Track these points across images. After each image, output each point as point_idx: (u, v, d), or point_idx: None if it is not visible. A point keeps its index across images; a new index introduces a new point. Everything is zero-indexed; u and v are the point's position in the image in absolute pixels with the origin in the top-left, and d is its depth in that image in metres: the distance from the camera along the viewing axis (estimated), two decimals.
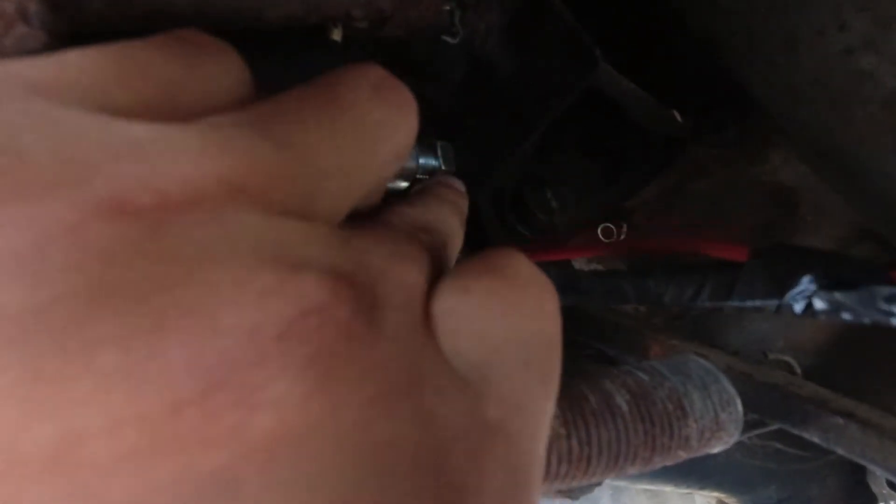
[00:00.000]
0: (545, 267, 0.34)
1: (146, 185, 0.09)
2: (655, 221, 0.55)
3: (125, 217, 0.09)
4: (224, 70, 0.12)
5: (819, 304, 0.22)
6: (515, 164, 0.30)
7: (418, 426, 0.10)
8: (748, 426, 0.21)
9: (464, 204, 0.21)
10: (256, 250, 0.10)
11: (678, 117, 0.41)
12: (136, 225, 0.09)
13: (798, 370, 0.42)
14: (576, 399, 0.19)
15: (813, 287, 0.22)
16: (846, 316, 0.22)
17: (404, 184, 0.26)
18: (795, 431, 0.27)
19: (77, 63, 0.10)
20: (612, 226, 0.55)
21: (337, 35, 0.22)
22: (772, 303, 0.23)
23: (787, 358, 0.40)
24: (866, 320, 0.23)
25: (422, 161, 0.28)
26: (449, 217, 0.18)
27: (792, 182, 0.51)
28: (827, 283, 0.22)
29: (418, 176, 0.27)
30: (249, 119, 0.11)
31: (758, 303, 0.23)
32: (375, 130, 0.13)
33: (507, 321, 0.13)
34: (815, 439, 0.27)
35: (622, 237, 0.46)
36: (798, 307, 0.23)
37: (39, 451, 0.08)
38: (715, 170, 0.51)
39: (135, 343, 0.08)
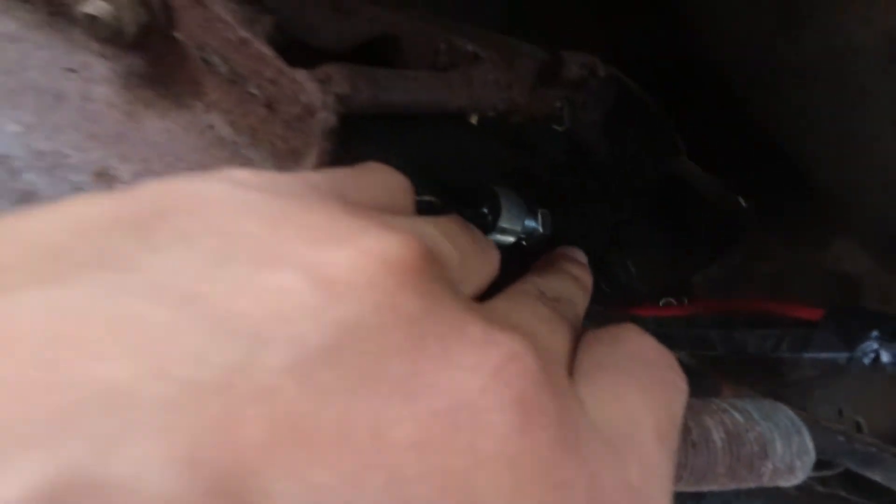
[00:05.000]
0: (634, 316, 0.37)
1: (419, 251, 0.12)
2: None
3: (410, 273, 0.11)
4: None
5: (886, 356, 0.25)
6: (603, 232, 0.34)
7: (584, 476, 0.12)
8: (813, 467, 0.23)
9: (586, 278, 0.22)
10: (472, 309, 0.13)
11: (743, 203, 0.44)
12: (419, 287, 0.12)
13: (866, 430, 0.42)
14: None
15: (881, 342, 0.25)
16: None
17: (511, 239, 0.31)
18: (858, 470, 0.28)
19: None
20: (673, 300, 0.57)
21: (474, 119, 0.29)
22: (843, 356, 0.26)
23: (858, 418, 0.40)
24: None
25: (526, 223, 0.33)
26: (573, 287, 0.20)
27: (855, 269, 0.53)
28: (893, 338, 0.25)
29: (521, 235, 0.32)
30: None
31: (831, 355, 0.26)
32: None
33: (642, 396, 0.15)
34: (878, 479, 0.28)
35: None
36: (867, 360, 0.25)
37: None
38: (778, 253, 0.53)
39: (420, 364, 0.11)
